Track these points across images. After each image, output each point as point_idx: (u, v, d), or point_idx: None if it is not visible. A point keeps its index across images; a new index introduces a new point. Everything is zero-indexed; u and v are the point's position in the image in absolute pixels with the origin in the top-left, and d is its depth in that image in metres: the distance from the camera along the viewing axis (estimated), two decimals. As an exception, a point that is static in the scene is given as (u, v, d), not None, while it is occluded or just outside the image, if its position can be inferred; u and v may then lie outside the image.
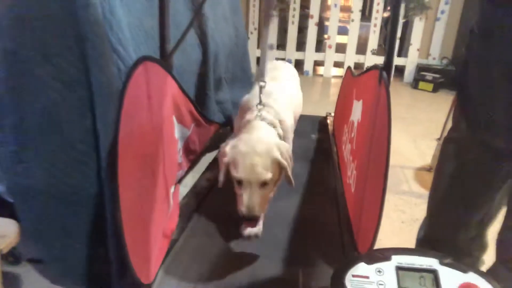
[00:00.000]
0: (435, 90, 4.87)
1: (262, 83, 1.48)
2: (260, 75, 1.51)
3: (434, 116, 3.84)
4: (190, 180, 1.93)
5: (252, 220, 1.24)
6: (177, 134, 1.65)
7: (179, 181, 1.80)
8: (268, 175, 1.24)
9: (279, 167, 1.30)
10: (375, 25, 5.14)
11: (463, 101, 1.23)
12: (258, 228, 1.33)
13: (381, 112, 1.20)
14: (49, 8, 1.17)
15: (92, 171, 1.26)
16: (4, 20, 1.18)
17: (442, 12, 5.02)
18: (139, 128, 1.16)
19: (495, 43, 1.03)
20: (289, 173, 1.32)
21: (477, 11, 1.11)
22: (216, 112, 2.38)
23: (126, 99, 1.01)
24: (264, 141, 1.30)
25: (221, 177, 1.31)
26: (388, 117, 1.08)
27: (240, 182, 1.25)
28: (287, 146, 1.36)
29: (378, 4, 5.06)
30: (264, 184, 1.24)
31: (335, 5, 5.18)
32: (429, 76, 4.94)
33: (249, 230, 1.31)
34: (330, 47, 5.33)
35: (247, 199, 1.22)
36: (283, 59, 5.33)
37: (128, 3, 1.43)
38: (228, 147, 1.31)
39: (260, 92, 1.47)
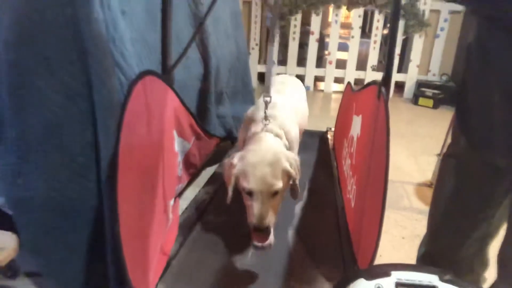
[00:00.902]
0: (435, 106, 4.89)
1: (267, 98, 1.49)
2: (266, 90, 1.51)
3: (434, 132, 3.85)
4: (190, 194, 1.93)
5: (262, 231, 1.22)
6: (177, 147, 1.66)
7: (179, 194, 1.80)
8: (279, 185, 1.24)
9: (287, 177, 1.30)
10: (375, 42, 5.19)
11: (462, 118, 1.24)
12: (270, 240, 1.30)
13: (380, 126, 1.21)
14: (53, 22, 1.19)
15: (92, 184, 1.26)
16: (9, 34, 1.20)
17: (442, 29, 5.08)
18: (140, 141, 1.16)
19: (492, 61, 1.04)
20: (297, 183, 1.32)
21: (474, 30, 1.12)
22: (217, 126, 2.39)
23: (127, 112, 1.02)
24: (272, 151, 1.30)
25: (230, 192, 1.28)
26: (387, 131, 1.09)
27: (250, 194, 1.24)
28: (295, 157, 1.36)
29: (378, 21, 5.12)
30: (274, 194, 1.24)
31: (336, 22, 5.25)
32: (429, 92, 4.96)
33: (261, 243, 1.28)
34: (330, 63, 5.38)
35: (258, 210, 1.20)
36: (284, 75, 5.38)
37: (131, 18, 1.45)
38: (236, 159, 1.30)
39: (266, 107, 1.48)
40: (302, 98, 2.03)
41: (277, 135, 1.46)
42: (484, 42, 1.07)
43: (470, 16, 1.07)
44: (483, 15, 1.07)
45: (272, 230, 1.30)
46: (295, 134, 1.62)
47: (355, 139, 1.77)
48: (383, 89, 1.26)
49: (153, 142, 1.29)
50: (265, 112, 1.47)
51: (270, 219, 1.21)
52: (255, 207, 1.21)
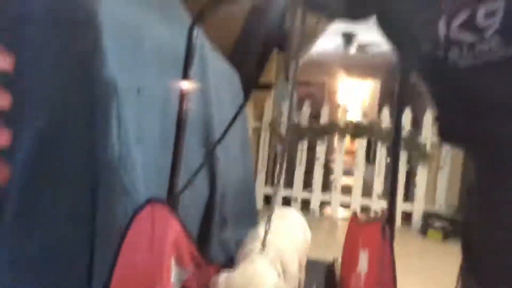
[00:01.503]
0: (444, 238, 4.74)
1: (267, 227, 1.47)
2: (267, 220, 1.50)
3: (445, 267, 3.62)
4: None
5: None
6: (173, 278, 1.58)
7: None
8: None
9: None
10: (379, 169, 5.29)
11: (470, 260, 1.19)
12: None
13: (386, 270, 1.16)
14: (70, 145, 1.26)
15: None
16: (26, 158, 1.25)
17: (445, 161, 5.17)
18: (135, 273, 1.12)
19: (496, 206, 1.04)
20: None
21: (473, 171, 1.14)
22: (219, 252, 2.31)
23: (124, 245, 1.01)
24: (261, 275, 1.22)
25: None
26: (394, 278, 1.04)
27: None
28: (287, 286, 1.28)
29: (381, 150, 5.31)
30: None
31: (341, 149, 5.47)
32: (438, 224, 4.85)
33: None
34: (336, 188, 5.43)
35: None
36: (289, 198, 5.39)
37: (144, 145, 1.51)
38: (222, 279, 1.23)
39: (265, 234, 1.45)
40: (301, 234, 1.98)
41: (270, 262, 1.39)
42: (485, 185, 1.08)
43: (468, 157, 1.10)
44: (482, 157, 1.09)
45: None
46: (295, 267, 1.55)
47: (362, 276, 1.69)
48: (387, 230, 1.24)
49: (149, 275, 1.24)
50: (264, 238, 1.43)
51: None
52: None
